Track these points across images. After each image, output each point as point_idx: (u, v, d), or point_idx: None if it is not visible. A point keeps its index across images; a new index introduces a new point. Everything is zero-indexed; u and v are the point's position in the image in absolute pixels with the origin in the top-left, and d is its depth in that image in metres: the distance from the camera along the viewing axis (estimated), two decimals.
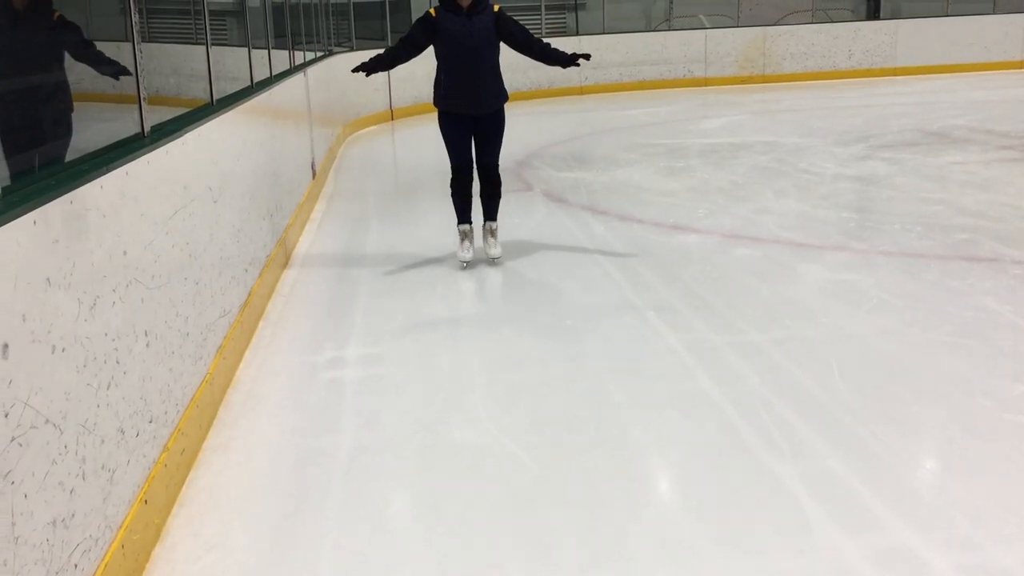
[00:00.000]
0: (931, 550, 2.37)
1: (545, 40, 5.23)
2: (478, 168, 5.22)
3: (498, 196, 5.34)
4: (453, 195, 5.28)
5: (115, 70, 3.61)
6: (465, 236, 5.30)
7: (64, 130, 3.58)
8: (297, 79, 7.12)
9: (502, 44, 5.08)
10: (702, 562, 2.39)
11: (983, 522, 2.51)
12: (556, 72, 15.80)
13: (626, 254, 5.41)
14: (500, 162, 5.27)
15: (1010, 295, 4.38)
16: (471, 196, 5.27)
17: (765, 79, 16.56)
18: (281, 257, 5.27)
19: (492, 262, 5.25)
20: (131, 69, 2.87)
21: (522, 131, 10.82)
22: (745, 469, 2.84)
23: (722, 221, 6.19)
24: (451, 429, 3.21)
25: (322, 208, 7.26)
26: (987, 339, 3.85)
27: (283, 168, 5.74)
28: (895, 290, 4.56)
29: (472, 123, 5.09)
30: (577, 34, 16.45)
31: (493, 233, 5.35)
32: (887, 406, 3.24)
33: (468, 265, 5.21)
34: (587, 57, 5.02)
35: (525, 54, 5.13)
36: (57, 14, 3.80)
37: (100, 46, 4.93)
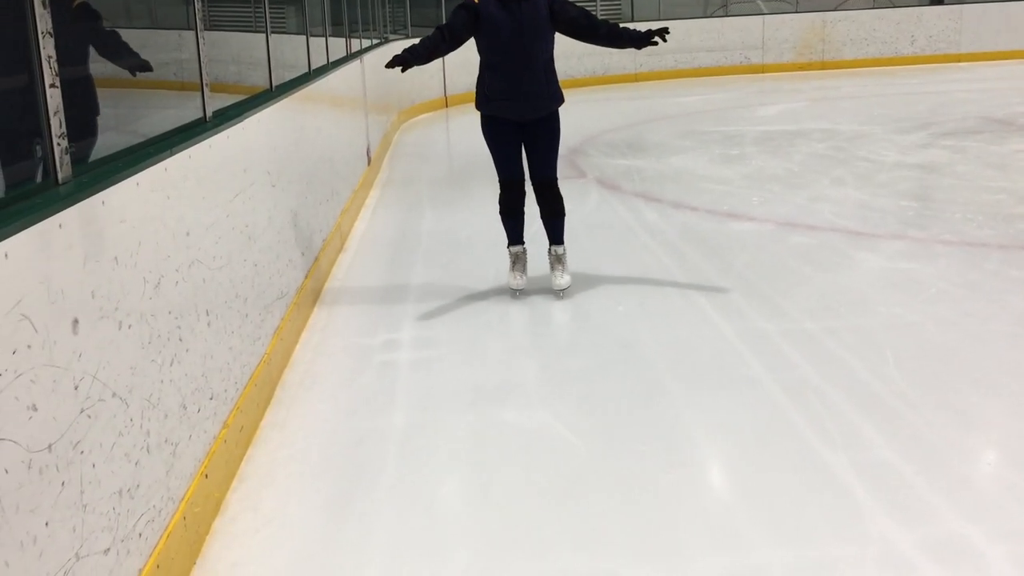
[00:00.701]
0: (985, 540, 2.34)
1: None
2: (532, 183, 4.41)
3: (561, 214, 4.49)
4: (501, 214, 4.50)
5: (135, 64, 3.46)
6: (517, 260, 4.53)
7: (88, 132, 3.08)
8: (353, 66, 7.20)
9: (557, 34, 4.29)
10: (750, 548, 2.39)
11: None
12: (611, 59, 15.75)
13: (678, 241, 5.38)
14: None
15: None
16: (523, 214, 4.50)
17: (824, 66, 16.28)
18: (336, 242, 5.35)
19: (558, 295, 4.44)
20: (196, 56, 2.94)
21: (576, 118, 10.79)
22: (796, 457, 2.82)
23: (777, 209, 6.13)
24: (502, 412, 3.25)
25: (377, 194, 7.34)
26: None
27: (339, 154, 5.82)
28: (954, 279, 4.48)
29: (521, 129, 4.33)
30: (632, 20, 16.33)
31: (560, 260, 4.49)
32: (943, 395, 3.19)
33: (521, 294, 4.47)
34: (665, 32, 4.07)
35: (590, 41, 4.29)
36: (78, 1, 3.40)
37: (163, 35, 5.05)
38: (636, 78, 15.65)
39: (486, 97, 4.31)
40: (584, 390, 3.40)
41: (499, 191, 4.46)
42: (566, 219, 4.51)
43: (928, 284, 4.42)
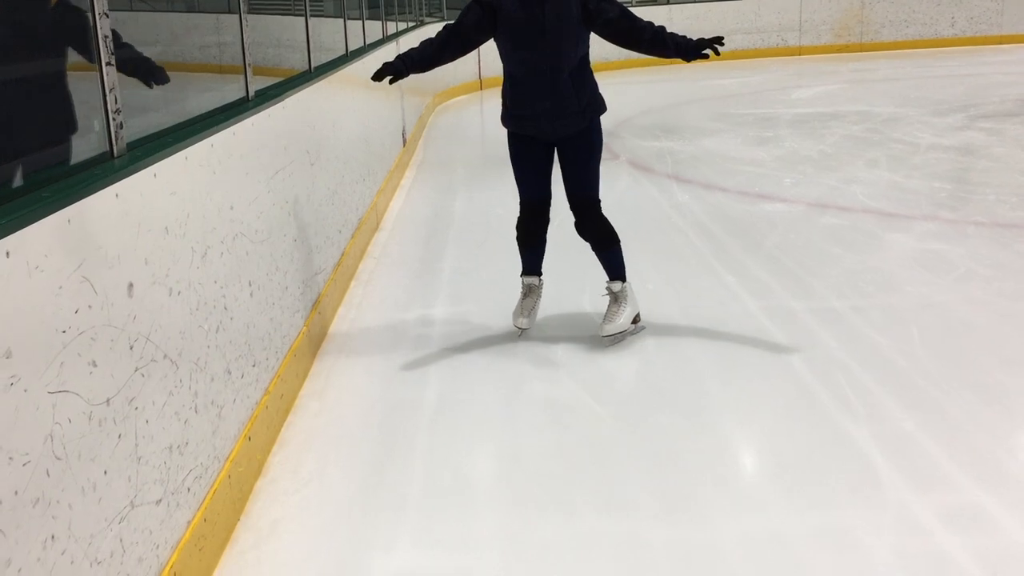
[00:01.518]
0: (1002, 509, 2.40)
1: (646, 19, 3.55)
2: (571, 206, 3.67)
3: (610, 243, 3.70)
4: (518, 239, 3.82)
5: (151, 73, 2.84)
6: (528, 293, 3.83)
7: (61, 151, 2.43)
8: (389, 48, 7.30)
9: (593, 35, 3.51)
10: (772, 514, 2.47)
11: None
12: None
13: (708, 222, 5.44)
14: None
15: None
16: (544, 241, 3.82)
17: (862, 48, 16.13)
18: (372, 221, 5.47)
19: (603, 343, 3.64)
20: (240, 38, 3.05)
21: (609, 101, 10.79)
22: (818, 429, 2.89)
23: (809, 190, 6.15)
24: (533, 384, 3.35)
25: (412, 175, 7.46)
26: None
27: (375, 135, 5.94)
28: (985, 260, 4.50)
29: (551, 145, 3.65)
30: (668, 3, 16.26)
31: (616, 299, 3.70)
32: (968, 373, 3.24)
33: (523, 334, 3.79)
34: (720, 43, 3.35)
35: (630, 47, 3.53)
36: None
37: (203, 18, 5.16)
38: (671, 61, 15.59)
39: (508, 112, 3.64)
40: (611, 364, 3.48)
41: (518, 212, 3.79)
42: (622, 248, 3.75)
43: (957, 264, 4.44)
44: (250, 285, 2.81)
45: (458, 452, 2.88)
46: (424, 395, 3.29)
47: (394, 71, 3.42)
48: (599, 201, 3.69)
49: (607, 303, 3.73)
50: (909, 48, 15.96)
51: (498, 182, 6.92)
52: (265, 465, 2.82)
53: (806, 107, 10.11)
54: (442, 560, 2.32)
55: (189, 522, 2.20)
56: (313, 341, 3.62)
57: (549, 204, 3.73)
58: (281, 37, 5.20)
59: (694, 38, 3.41)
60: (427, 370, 3.51)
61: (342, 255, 4.39)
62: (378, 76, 3.41)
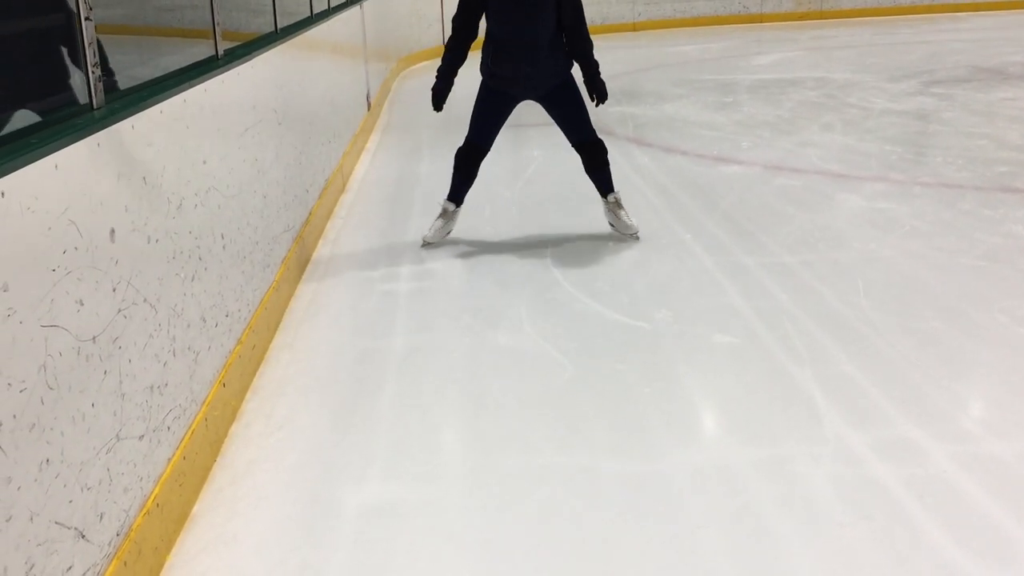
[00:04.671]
0: (930, 440, 2.59)
1: (593, 39, 4.42)
2: (576, 148, 4.48)
3: (607, 163, 4.51)
4: (456, 167, 4.51)
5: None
6: (443, 215, 4.51)
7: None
8: (353, 12, 7.33)
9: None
10: (718, 448, 2.64)
11: (981, 419, 2.74)
12: (609, 9, 15.78)
13: (668, 183, 5.59)
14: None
15: None
16: (474, 177, 4.53)
17: (822, 15, 16.30)
18: (339, 182, 5.56)
19: (636, 237, 4.49)
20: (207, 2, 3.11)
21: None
22: (765, 372, 3.07)
23: (765, 153, 6.32)
24: (496, 334, 3.49)
25: (377, 139, 7.52)
26: (1013, 263, 4.00)
27: (340, 98, 6.00)
28: (928, 218, 4.70)
29: (524, 101, 4.41)
30: None
31: (620, 205, 4.54)
32: (906, 320, 3.43)
33: (428, 246, 4.48)
34: (604, 98, 4.38)
35: (566, 37, 4.31)
36: None
37: None
38: (635, 27, 15.69)
39: (490, 71, 4.33)
40: (571, 315, 3.63)
41: (461, 145, 4.49)
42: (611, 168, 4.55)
43: (903, 222, 4.64)
44: (222, 238, 2.92)
45: (424, 396, 3.02)
46: (392, 344, 3.42)
47: (444, 94, 4.41)
48: (599, 139, 4.47)
49: (611, 211, 4.53)
50: (868, 16, 16.17)
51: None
52: (239, 411, 2.94)
53: (765, 73, 10.27)
54: (409, 492, 2.47)
55: (169, 459, 2.32)
56: (283, 295, 3.73)
57: (487, 152, 4.49)
58: (247, 2, 5.23)
59: (602, 103, 4.42)
60: (394, 322, 3.64)
61: (309, 214, 4.49)
62: (437, 107, 4.44)
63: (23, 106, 1.92)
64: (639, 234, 4.50)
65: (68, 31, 2.04)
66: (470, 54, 4.44)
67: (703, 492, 2.40)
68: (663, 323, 3.52)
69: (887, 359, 3.12)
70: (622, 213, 4.52)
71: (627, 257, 4.30)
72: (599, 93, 4.35)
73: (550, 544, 2.22)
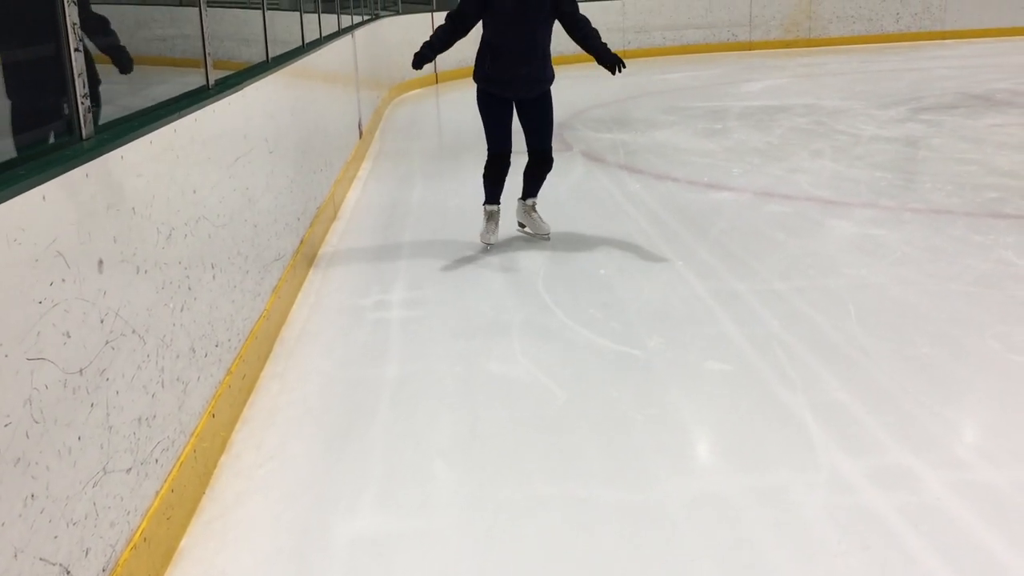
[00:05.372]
0: (924, 467, 2.58)
1: (594, 25, 4.72)
2: (531, 153, 4.84)
3: (548, 166, 4.93)
4: (486, 179, 4.89)
5: (123, 61, 3.15)
6: (491, 217, 4.95)
7: (94, 100, 2.59)
8: (345, 41, 7.37)
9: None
10: (712, 476, 2.62)
11: (975, 446, 2.73)
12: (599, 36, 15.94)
13: (659, 210, 5.60)
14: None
15: None
16: (505, 180, 4.90)
17: (810, 43, 16.48)
18: (330, 210, 5.56)
19: (548, 239, 5.00)
20: (199, 29, 3.13)
21: (564, 94, 10.95)
22: (758, 399, 3.06)
23: (756, 180, 6.35)
24: (488, 362, 3.47)
25: (368, 166, 7.53)
26: (1004, 289, 4.01)
27: (332, 126, 6.01)
28: (919, 244, 4.71)
29: (515, 105, 4.73)
30: None
31: (535, 208, 5.07)
32: (898, 346, 3.43)
33: (491, 248, 4.91)
34: (622, 66, 4.63)
35: (569, 34, 4.68)
36: None
37: (156, 11, 5.19)
38: (624, 55, 15.78)
39: (486, 75, 4.63)
40: (564, 342, 3.62)
41: (487, 160, 4.81)
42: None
43: (893, 248, 4.65)
44: (213, 268, 2.90)
45: (416, 425, 3.00)
46: (384, 374, 3.40)
47: (425, 59, 4.53)
48: (551, 149, 4.87)
49: (526, 213, 5.04)
50: (856, 43, 16.35)
51: (455, 173, 7.04)
52: (229, 442, 2.91)
53: (755, 100, 10.35)
54: (402, 523, 2.44)
55: (157, 492, 2.29)
56: (273, 324, 3.71)
57: (511, 153, 4.78)
58: (238, 31, 5.26)
59: (622, 70, 4.66)
60: (386, 350, 3.62)
61: (301, 243, 4.48)
62: (417, 65, 4.51)
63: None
64: (550, 235, 5.00)
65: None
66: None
67: (698, 522, 2.38)
68: (656, 350, 3.51)
69: (880, 386, 3.11)
70: (536, 215, 5.04)
71: (619, 284, 4.30)
72: (616, 61, 4.61)
73: (545, 575, 2.20)
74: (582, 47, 4.68)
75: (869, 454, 2.68)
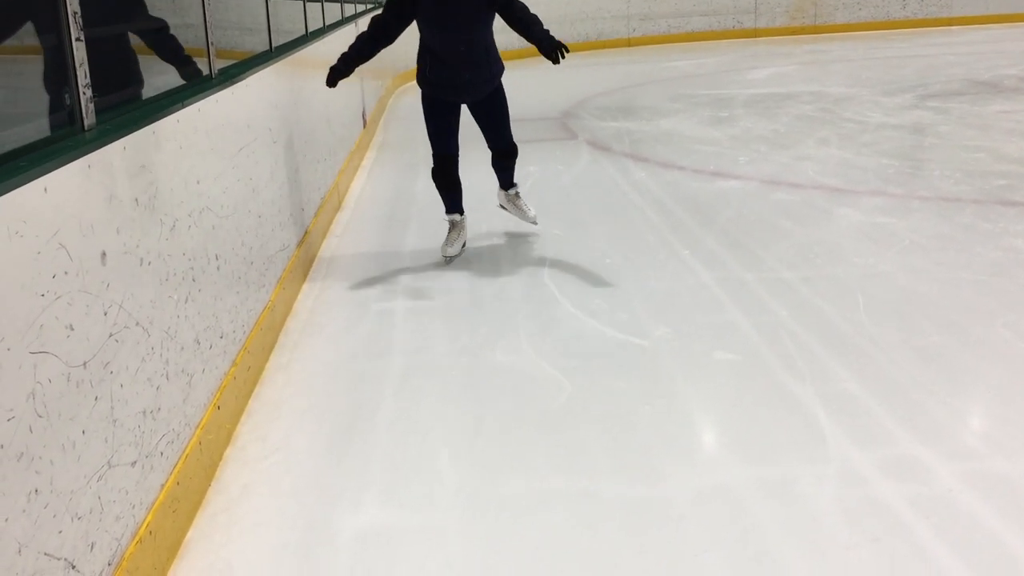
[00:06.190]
0: (935, 458, 2.56)
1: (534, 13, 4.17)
2: (495, 153, 4.58)
3: (514, 158, 4.62)
4: (437, 186, 4.56)
5: (186, 65, 3.13)
6: (452, 227, 4.59)
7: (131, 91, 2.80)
8: (348, 30, 7.32)
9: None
10: (720, 469, 2.60)
11: (987, 436, 2.70)
12: (604, 24, 15.84)
13: (665, 199, 5.57)
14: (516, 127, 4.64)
15: None
16: (459, 183, 4.56)
17: (816, 30, 16.38)
18: (334, 200, 5.53)
19: (534, 223, 4.80)
20: (202, 18, 3.10)
21: (569, 82, 10.95)
22: (766, 390, 3.04)
23: (762, 168, 6.31)
24: (494, 354, 3.45)
25: (372, 156, 7.51)
26: (1013, 277, 3.98)
27: (336, 116, 5.98)
28: (927, 232, 4.68)
29: (461, 107, 4.41)
30: None
31: (520, 196, 4.78)
32: (907, 336, 3.40)
33: (451, 261, 4.52)
34: (565, 50, 3.96)
35: (510, 26, 4.19)
36: None
37: (159, 1, 5.16)
38: (630, 43, 15.73)
39: (427, 78, 4.29)
40: (570, 333, 3.60)
41: (433, 164, 4.50)
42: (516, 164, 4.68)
43: (902, 236, 4.61)
44: (217, 259, 2.88)
45: (422, 418, 2.98)
46: (388, 366, 3.39)
47: (340, 74, 4.14)
48: (515, 144, 4.55)
49: (510, 202, 4.75)
50: (862, 30, 16.25)
51: (459, 162, 7.00)
52: (234, 434, 2.90)
53: (761, 88, 10.29)
54: (407, 516, 2.42)
55: (163, 485, 2.28)
56: (278, 316, 3.70)
57: (458, 156, 4.49)
58: (241, 20, 5.23)
59: (564, 55, 3.98)
60: (391, 342, 3.60)
61: (305, 233, 4.46)
62: (331, 82, 4.14)
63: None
64: (537, 220, 4.78)
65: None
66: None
67: (706, 515, 2.36)
68: (662, 340, 3.49)
69: (889, 376, 3.09)
70: (520, 202, 4.75)
71: (625, 273, 4.27)
72: (557, 47, 3.93)
73: (551, 570, 2.18)
74: (524, 38, 4.12)
75: (879, 445, 2.65)
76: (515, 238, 4.99)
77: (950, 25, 16.27)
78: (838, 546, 2.21)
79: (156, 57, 3.06)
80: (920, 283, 3.96)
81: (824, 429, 2.76)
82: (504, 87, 4.45)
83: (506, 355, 3.44)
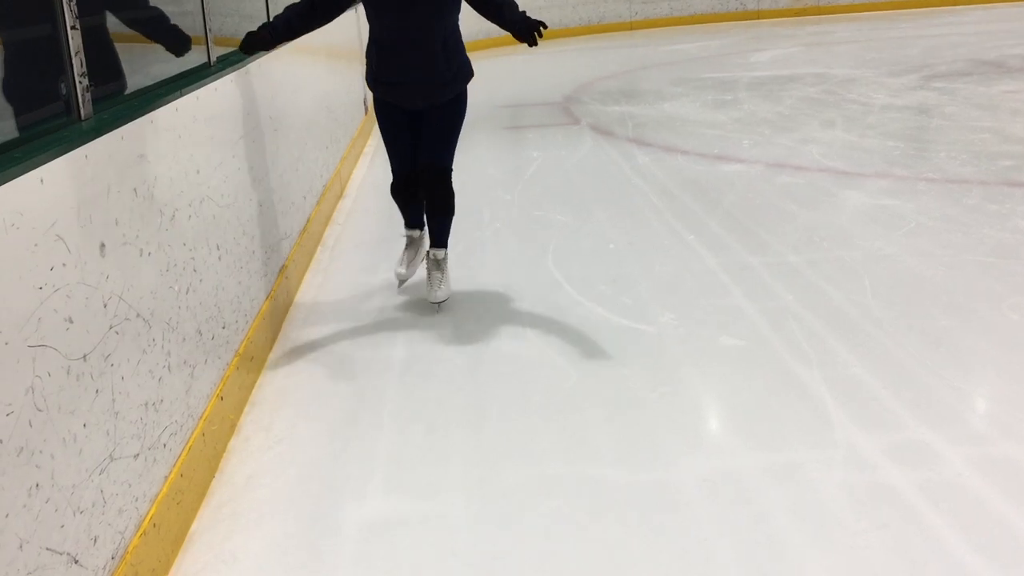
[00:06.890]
0: (943, 443, 2.54)
1: None
2: (420, 170, 3.65)
3: (450, 212, 3.70)
4: (397, 201, 3.89)
5: (179, 43, 3.05)
6: (408, 244, 3.97)
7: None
8: (348, 16, 7.27)
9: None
10: (726, 454, 2.58)
11: (996, 420, 2.68)
12: (605, 7, 15.73)
13: (669, 183, 5.54)
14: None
15: None
16: (419, 199, 3.77)
17: (820, 11, 16.26)
18: (336, 188, 5.51)
19: (434, 308, 3.72)
20: (200, 5, 3.07)
21: (571, 66, 10.89)
22: (772, 375, 3.01)
23: (767, 151, 6.26)
24: (498, 341, 3.43)
25: (374, 143, 7.46)
26: (1020, 259, 3.95)
27: (337, 103, 5.95)
28: (934, 214, 4.64)
29: (416, 113, 3.62)
30: None
31: (439, 266, 3.71)
32: (914, 319, 3.37)
33: (404, 284, 3.98)
34: (543, 27, 3.23)
35: (479, 12, 3.47)
36: None
37: None
38: (631, 26, 15.63)
39: (374, 76, 3.58)
40: (574, 319, 3.58)
41: (391, 179, 3.83)
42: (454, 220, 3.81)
43: (908, 219, 4.58)
44: (218, 248, 2.86)
45: (426, 406, 2.96)
46: (392, 355, 3.37)
47: (262, 41, 3.25)
48: (451, 170, 3.67)
49: (428, 267, 3.73)
50: (866, 11, 16.11)
51: (461, 147, 6.96)
52: (238, 424, 2.88)
53: (764, 70, 10.22)
54: (412, 506, 2.41)
55: (166, 477, 2.27)
56: (281, 305, 3.68)
57: (414, 171, 3.72)
58: (239, 8, 5.19)
59: (541, 33, 3.26)
60: (394, 331, 3.58)
61: (307, 221, 4.44)
62: (248, 49, 3.25)
63: None
64: (441, 306, 3.73)
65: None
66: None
67: (713, 501, 2.35)
68: (668, 326, 3.47)
69: (896, 360, 3.06)
70: (444, 269, 3.72)
71: (630, 259, 4.24)
72: (535, 27, 3.24)
73: (557, 558, 2.17)
74: (497, 24, 3.43)
75: (887, 430, 2.63)
76: (518, 225, 4.96)
77: (955, 4, 16.12)
78: (846, 531, 2.19)
79: (152, 55, 3.02)
80: (927, 266, 3.93)
81: (831, 414, 2.74)
82: (468, 98, 3.69)
83: (510, 342, 3.42)
